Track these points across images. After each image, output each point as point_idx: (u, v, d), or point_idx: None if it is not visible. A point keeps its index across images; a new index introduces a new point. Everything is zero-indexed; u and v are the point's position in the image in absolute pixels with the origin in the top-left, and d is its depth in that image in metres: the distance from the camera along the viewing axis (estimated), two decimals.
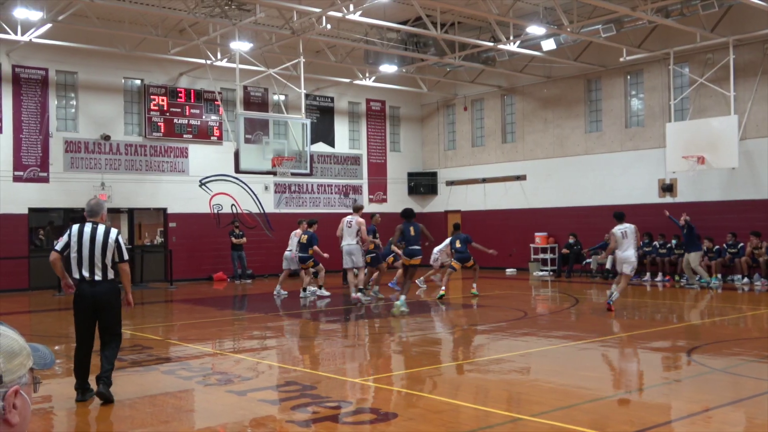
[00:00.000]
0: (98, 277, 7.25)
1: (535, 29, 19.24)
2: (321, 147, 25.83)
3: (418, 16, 19.09)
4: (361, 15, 17.66)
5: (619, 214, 14.34)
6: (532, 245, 23.94)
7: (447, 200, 27.80)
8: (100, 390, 7.16)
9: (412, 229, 14.23)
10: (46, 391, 7.90)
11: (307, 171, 20.61)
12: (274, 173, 20.22)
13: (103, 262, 7.26)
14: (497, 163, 26.34)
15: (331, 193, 26.36)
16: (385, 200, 27.62)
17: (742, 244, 19.58)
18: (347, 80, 24.74)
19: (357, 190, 27.06)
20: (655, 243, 21.02)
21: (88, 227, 7.36)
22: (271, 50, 21.01)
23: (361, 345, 11.54)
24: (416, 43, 22.23)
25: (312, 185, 25.72)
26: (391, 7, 19.30)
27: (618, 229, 13.94)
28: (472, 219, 26.84)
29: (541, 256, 24.15)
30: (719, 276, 19.59)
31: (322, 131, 25.95)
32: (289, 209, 24.93)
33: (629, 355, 10.27)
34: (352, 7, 17.19)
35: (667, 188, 21.50)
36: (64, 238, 7.36)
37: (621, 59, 21.33)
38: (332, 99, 26.43)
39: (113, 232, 7.40)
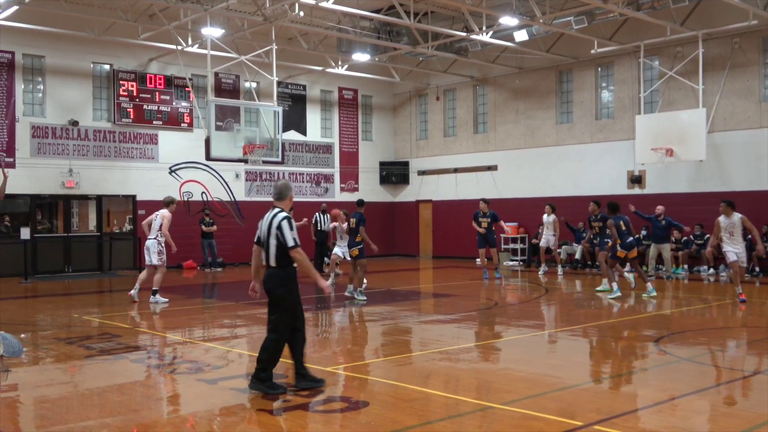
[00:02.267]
0: (272, 263, 7.00)
1: (507, 20, 19.30)
2: (293, 135, 25.72)
3: (392, 4, 19.06)
4: (334, 3, 17.59)
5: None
6: (502, 235, 24.08)
7: (418, 190, 27.86)
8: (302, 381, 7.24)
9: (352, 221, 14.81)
10: (14, 380, 7.79)
11: (279, 159, 20.51)
12: (246, 161, 20.09)
13: (268, 247, 6.97)
14: (469, 153, 26.43)
15: (303, 182, 26.27)
16: (356, 189, 27.60)
17: (708, 236, 19.86)
18: (320, 68, 24.64)
19: (329, 178, 27.00)
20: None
21: (269, 213, 7.08)
22: (243, 37, 20.84)
23: (331, 334, 11.54)
24: (389, 32, 22.19)
25: (284, 173, 25.60)
26: None
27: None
28: (443, 209, 26.94)
29: (512, 246, 24.31)
30: (686, 267, 19.91)
31: (294, 119, 25.83)
32: (260, 197, 24.80)
33: (597, 344, 10.39)
34: None
35: (636, 180, 21.76)
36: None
37: (592, 51, 21.50)
38: (304, 87, 26.30)
39: (279, 215, 6.96)
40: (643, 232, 20.77)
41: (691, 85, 20.03)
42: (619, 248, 15.14)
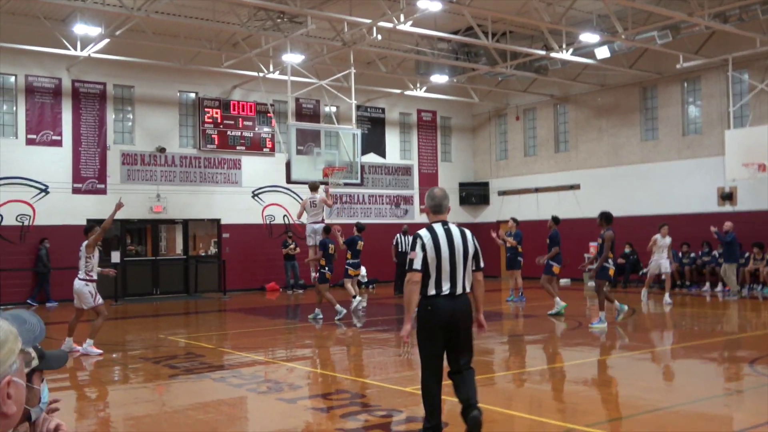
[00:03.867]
0: (463, 289, 5.75)
1: (588, 37, 18.98)
2: (372, 158, 25.90)
3: (469, 25, 19.02)
4: (411, 25, 17.68)
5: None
6: (586, 255, 23.53)
7: (499, 210, 27.57)
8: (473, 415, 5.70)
9: None
10: (103, 397, 8.01)
11: (358, 181, 20.67)
12: (326, 183, 20.31)
13: (455, 271, 5.68)
14: (550, 172, 26.02)
15: (383, 204, 26.38)
16: None
17: None
18: (398, 91, 24.79)
19: (408, 200, 27.03)
20: (715, 252, 20.43)
21: (440, 229, 5.77)
22: (322, 62, 21.18)
23: (409, 354, 11.47)
24: (467, 52, 22.15)
25: (363, 195, 25.78)
26: (442, 17, 19.28)
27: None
28: (525, 229, 26.51)
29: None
30: None
31: (373, 142, 26.02)
32: (340, 219, 25.02)
33: (687, 365, 9.98)
34: (402, 18, 17.22)
35: (727, 197, 20.94)
36: (419, 252, 5.68)
37: (677, 66, 20.89)
38: (383, 110, 26.49)
39: (468, 232, 5.88)
40: (715, 252, 19.94)
41: None
42: (554, 264, 14.95)
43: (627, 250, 22.73)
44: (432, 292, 5.64)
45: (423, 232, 5.72)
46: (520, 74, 23.25)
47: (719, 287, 18.74)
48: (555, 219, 15.89)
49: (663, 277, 17.74)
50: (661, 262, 17.62)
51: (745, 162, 19.14)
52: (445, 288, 5.63)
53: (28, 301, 19.76)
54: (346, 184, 20.69)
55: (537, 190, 26.21)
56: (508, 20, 19.52)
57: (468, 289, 5.75)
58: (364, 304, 17.78)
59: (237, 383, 8.71)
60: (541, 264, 15.33)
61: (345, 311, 15.06)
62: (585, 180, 24.92)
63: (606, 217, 13.53)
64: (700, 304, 17.40)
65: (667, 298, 17.04)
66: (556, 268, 15.37)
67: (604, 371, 9.61)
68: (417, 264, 5.63)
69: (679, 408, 7.29)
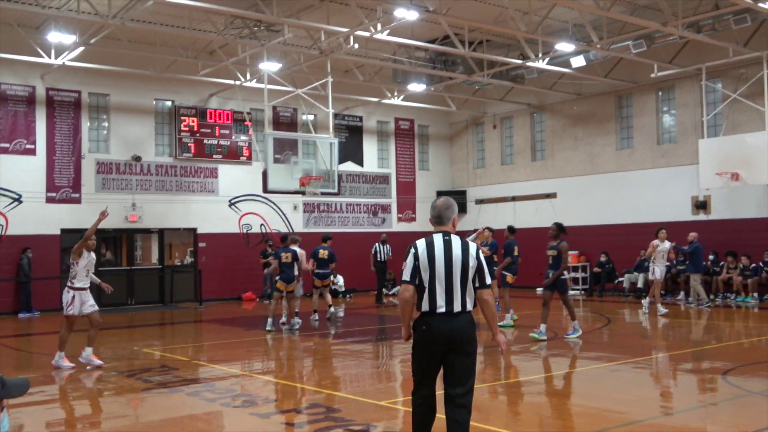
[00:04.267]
0: (461, 307, 5.21)
1: (564, 46, 19.08)
2: (350, 166, 25.85)
3: (446, 34, 19.06)
4: (388, 34, 17.68)
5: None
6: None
7: (476, 219, 27.57)
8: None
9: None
10: (71, 413, 7.86)
11: (335, 190, 20.60)
12: (303, 193, 20.25)
13: (452, 286, 5.18)
14: (527, 180, 26.12)
15: (360, 212, 26.32)
16: (414, 219, 27.52)
17: None
18: (375, 99, 24.78)
19: (386, 209, 27.00)
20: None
21: (438, 240, 5.32)
22: (299, 70, 21.11)
23: (387, 366, 11.41)
24: (444, 61, 22.19)
25: (341, 204, 25.71)
26: (419, 25, 19.29)
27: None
28: (502, 237, 26.55)
29: (573, 275, 23.81)
30: (755, 295, 19.18)
31: (351, 150, 25.98)
32: (318, 228, 24.93)
33: (663, 376, 10.01)
34: (379, 27, 17.23)
35: (701, 205, 21.12)
36: (409, 262, 5.27)
37: (652, 75, 21.08)
38: (361, 118, 26.47)
39: (470, 244, 5.36)
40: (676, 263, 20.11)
41: (756, 107, 19.41)
42: (508, 273, 15.02)
43: (603, 258, 22.85)
44: (426, 308, 5.17)
45: (419, 242, 5.31)
46: (497, 83, 23.33)
47: (692, 297, 18.89)
48: (510, 229, 15.97)
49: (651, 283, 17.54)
50: (655, 268, 17.18)
51: (719, 171, 19.33)
52: (441, 304, 5.13)
53: (20, 315, 19.54)
54: (323, 193, 20.62)
55: (514, 198, 26.29)
56: (484, 29, 19.59)
57: (470, 308, 5.21)
58: (335, 313, 17.69)
59: (211, 397, 8.60)
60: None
61: (274, 328, 14.88)
62: (561, 188, 25.03)
63: (562, 228, 13.46)
64: (673, 314, 17.50)
65: (660, 307, 16.80)
66: (509, 278, 15.42)
67: (579, 383, 9.60)
68: (405, 274, 5.22)
69: (654, 421, 7.29)
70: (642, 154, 22.99)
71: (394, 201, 27.19)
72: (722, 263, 20.19)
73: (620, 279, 22.24)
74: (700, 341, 13.33)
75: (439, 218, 5.44)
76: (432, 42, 20.59)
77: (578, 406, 8.07)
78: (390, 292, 22.03)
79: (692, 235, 18.83)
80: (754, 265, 19.52)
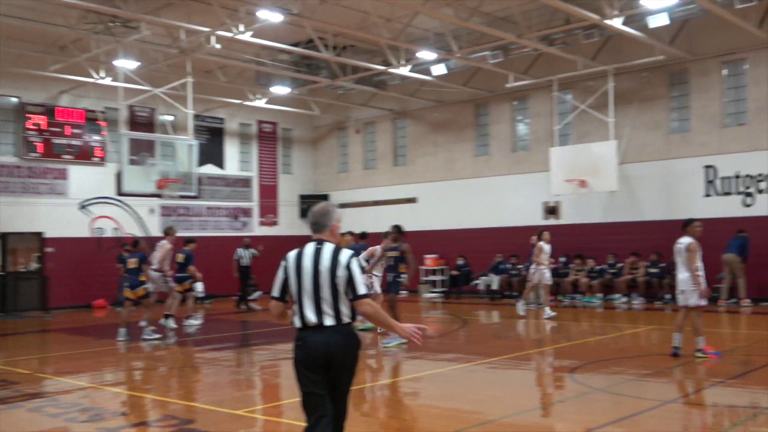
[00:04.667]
0: (334, 321, 4.80)
1: (425, 54, 19.46)
2: (210, 169, 25.22)
3: (311, 38, 18.98)
4: (252, 35, 17.38)
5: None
6: (422, 267, 24.06)
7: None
8: None
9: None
10: None
11: (194, 193, 20.05)
12: (160, 196, 19.56)
13: (319, 298, 4.80)
14: (389, 185, 26.47)
15: (221, 217, 25.74)
16: (276, 223, 27.23)
17: (621, 264, 20.35)
18: (238, 101, 24.34)
19: (247, 212, 26.54)
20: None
21: (309, 249, 4.99)
22: (158, 69, 20.38)
23: (245, 374, 11.17)
24: (308, 65, 22.10)
25: (200, 208, 25.03)
26: (283, 28, 19.07)
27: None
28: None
29: (432, 278, 24.33)
30: (600, 295, 20.29)
31: (212, 152, 25.34)
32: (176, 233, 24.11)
33: (515, 376, 10.34)
34: (242, 27, 16.91)
35: (551, 211, 22.12)
36: (278, 276, 4.99)
37: (507, 85, 21.89)
38: (222, 120, 25.91)
39: (343, 252, 4.91)
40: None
41: (602, 118, 20.57)
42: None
43: (460, 261, 23.47)
44: (299, 323, 4.81)
45: (291, 253, 4.98)
46: (360, 88, 23.48)
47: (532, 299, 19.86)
48: (363, 235, 15.95)
49: (540, 286, 17.26)
50: (545, 271, 16.87)
51: (568, 178, 20.34)
52: (311, 318, 4.75)
53: None
54: (182, 197, 20.02)
55: (376, 203, 26.55)
56: (348, 34, 19.65)
57: (347, 320, 4.79)
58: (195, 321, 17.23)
59: (55, 412, 8.09)
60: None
61: (127, 338, 14.35)
62: (422, 193, 25.54)
63: (401, 231, 13.62)
64: (532, 314, 18.20)
65: (548, 310, 16.68)
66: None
67: (436, 385, 9.76)
68: (274, 290, 4.88)
69: (507, 419, 7.51)
70: (498, 160, 23.83)
71: (256, 205, 26.78)
72: (572, 265, 21.24)
73: (476, 282, 22.91)
74: (549, 340, 13.91)
75: (315, 225, 5.08)
76: (296, 45, 20.45)
77: (435, 407, 8.19)
78: (251, 297, 21.62)
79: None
80: (599, 267, 20.66)
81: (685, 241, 10.64)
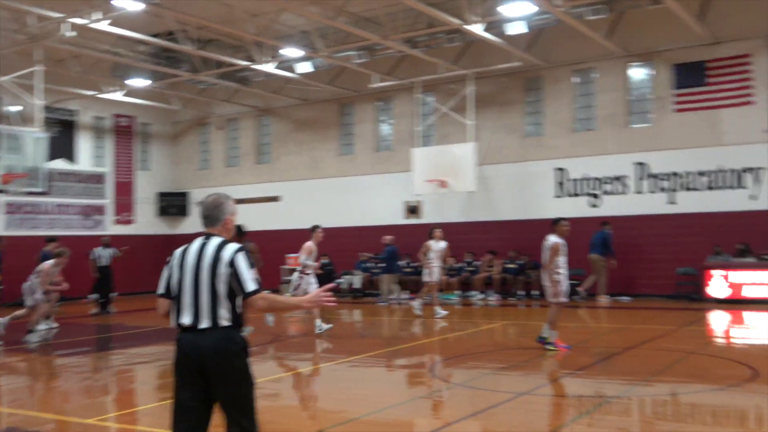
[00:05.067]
0: (212, 323, 4.39)
1: (291, 51, 19.33)
2: (61, 164, 23.90)
3: (172, 30, 18.37)
4: (109, 24, 16.60)
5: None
6: (283, 267, 23.87)
7: (197, 222, 26.98)
8: None
9: None
10: None
11: (43, 189, 18.94)
12: (4, 191, 18.34)
13: (198, 298, 4.42)
14: (252, 183, 26.10)
15: (72, 214, 24.44)
16: (131, 221, 26.19)
17: (478, 263, 21.06)
18: (92, 93, 23.19)
19: (100, 210, 25.36)
20: (401, 263, 21.83)
21: (195, 245, 4.61)
22: (3, 56, 19.08)
23: (97, 380, 10.67)
24: (169, 57, 21.35)
25: (49, 205, 23.67)
26: (143, 18, 18.31)
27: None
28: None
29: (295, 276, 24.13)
30: (458, 292, 20.89)
31: (63, 147, 24.01)
32: (22, 231, 22.73)
33: (377, 374, 10.44)
34: (99, 15, 16.12)
35: (413, 210, 22.59)
36: (163, 273, 4.64)
37: (372, 86, 22.13)
38: (75, 112, 24.63)
39: (227, 246, 4.52)
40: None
41: (462, 120, 21.19)
42: None
43: (324, 260, 23.45)
44: (175, 323, 4.46)
45: (178, 250, 4.65)
46: (223, 83, 23.01)
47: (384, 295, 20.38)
48: (239, 230, 15.22)
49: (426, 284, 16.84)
50: (434, 269, 16.57)
51: (429, 178, 20.84)
52: (186, 319, 4.38)
53: None
54: (29, 193, 18.84)
55: (239, 201, 26.01)
56: (212, 28, 19.19)
57: (226, 323, 4.35)
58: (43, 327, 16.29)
59: None
60: None
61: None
62: (285, 192, 25.37)
63: (241, 231, 13.20)
64: (389, 312, 18.46)
65: (438, 309, 16.35)
66: None
67: (299, 385, 9.71)
68: (159, 287, 4.57)
69: (369, 417, 7.56)
70: (362, 160, 24.04)
71: (110, 202, 25.65)
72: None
73: (339, 280, 23.00)
74: (411, 338, 14.16)
75: (206, 219, 4.71)
76: (156, 36, 19.73)
77: (296, 408, 8.14)
78: (106, 299, 20.53)
79: (388, 239, 20.08)
80: (458, 265, 21.27)
81: (551, 239, 11.05)
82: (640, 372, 9.43)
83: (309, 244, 13.96)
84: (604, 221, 19.12)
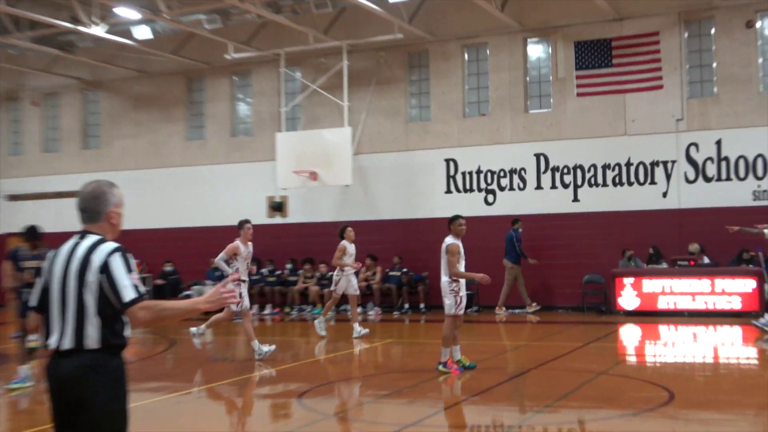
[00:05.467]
0: (78, 344, 4.01)
1: (125, 12, 18.78)
2: None
3: None
4: None
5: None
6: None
7: (10, 219, 25.54)
8: None
9: None
10: None
11: None
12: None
13: (64, 312, 4.04)
14: (77, 173, 24.98)
15: None
16: None
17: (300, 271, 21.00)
18: None
19: None
20: (264, 270, 21.51)
21: (67, 246, 4.20)
22: None
23: None
24: None
25: None
26: None
27: None
28: (47, 244, 25.09)
29: None
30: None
31: None
32: None
33: (233, 405, 10.20)
34: None
35: (277, 207, 22.29)
36: (36, 281, 4.28)
37: (227, 57, 21.70)
38: None
39: (101, 247, 4.12)
40: (288, 266, 21.27)
41: (335, 100, 21.12)
42: None
43: (168, 267, 22.85)
44: (42, 344, 4.18)
45: (51, 252, 4.29)
46: (40, 49, 22.07)
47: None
48: (32, 233, 14.27)
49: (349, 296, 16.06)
50: (351, 277, 15.89)
51: (297, 169, 20.59)
52: (51, 339, 4.06)
53: None
54: None
55: (59, 194, 24.95)
56: None
57: (92, 345, 3.99)
58: None
59: None
60: None
61: None
62: (119, 183, 23.59)
63: (36, 234, 12.51)
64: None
65: (357, 327, 15.54)
66: None
67: (135, 420, 9.29)
68: (31, 299, 4.23)
69: None
70: (215, 146, 23.57)
71: None
72: (300, 271, 21.50)
73: (187, 292, 22.41)
74: (275, 361, 13.92)
75: (82, 213, 4.30)
76: None
77: None
78: None
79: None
80: (332, 273, 21.12)
81: (447, 241, 11.04)
82: (544, 396, 9.62)
83: (235, 245, 13.37)
84: (515, 219, 19.47)
